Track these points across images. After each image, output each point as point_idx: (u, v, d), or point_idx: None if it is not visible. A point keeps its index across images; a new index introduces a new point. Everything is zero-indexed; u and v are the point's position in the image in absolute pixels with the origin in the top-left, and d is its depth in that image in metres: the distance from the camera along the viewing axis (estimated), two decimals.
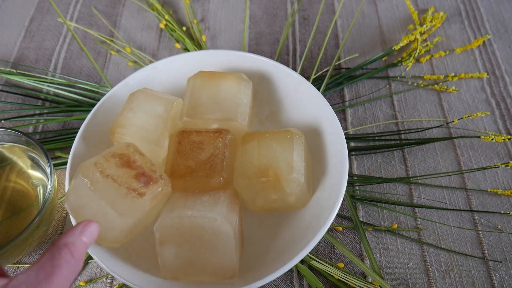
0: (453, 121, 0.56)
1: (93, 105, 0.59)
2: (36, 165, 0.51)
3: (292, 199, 0.44)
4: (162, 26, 0.67)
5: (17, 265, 0.49)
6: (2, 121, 0.58)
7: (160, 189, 0.41)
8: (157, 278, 0.41)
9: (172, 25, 0.66)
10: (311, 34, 0.63)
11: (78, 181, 0.40)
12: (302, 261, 0.49)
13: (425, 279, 0.47)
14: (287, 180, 0.42)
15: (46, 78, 0.62)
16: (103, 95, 0.61)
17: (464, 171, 0.54)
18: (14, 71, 0.62)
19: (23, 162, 0.52)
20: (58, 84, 0.61)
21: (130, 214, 0.39)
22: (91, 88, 0.61)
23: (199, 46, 0.65)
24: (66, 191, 0.43)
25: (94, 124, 0.49)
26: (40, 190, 0.50)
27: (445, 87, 0.61)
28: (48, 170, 0.47)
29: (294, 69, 0.63)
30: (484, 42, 0.65)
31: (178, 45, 0.65)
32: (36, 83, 0.61)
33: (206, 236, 0.39)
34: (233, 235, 0.39)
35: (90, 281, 0.48)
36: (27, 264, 0.49)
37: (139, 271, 0.42)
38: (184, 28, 0.67)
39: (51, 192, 0.46)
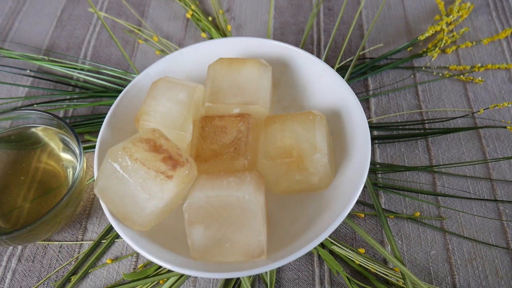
0: (478, 111, 0.56)
1: (119, 91, 0.61)
2: (66, 147, 0.53)
3: (315, 179, 0.44)
4: (188, 16, 0.68)
5: (47, 242, 0.51)
6: (35, 105, 0.60)
7: (187, 172, 0.42)
8: (186, 259, 0.42)
9: (198, 15, 0.67)
10: (336, 24, 0.63)
11: (107, 166, 0.41)
12: (323, 246, 0.49)
13: (447, 267, 0.47)
14: (311, 160, 0.43)
15: (76, 65, 0.64)
16: (129, 81, 0.62)
17: (489, 161, 0.53)
18: (46, 58, 0.64)
19: (54, 144, 0.54)
20: (88, 71, 0.63)
21: (160, 196, 0.40)
22: (118, 75, 0.63)
23: (224, 36, 0.66)
24: (94, 174, 0.45)
25: (120, 110, 0.51)
26: (70, 171, 0.52)
27: (471, 78, 0.60)
28: (78, 152, 0.49)
29: (318, 58, 0.63)
30: None
31: (204, 35, 0.67)
32: (67, 70, 0.63)
33: (235, 215, 0.40)
34: (262, 213, 0.40)
35: (116, 259, 0.50)
36: (56, 241, 0.51)
37: (171, 252, 0.42)
38: (210, 18, 0.68)
39: (80, 173, 0.47)
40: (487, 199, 0.51)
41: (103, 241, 0.51)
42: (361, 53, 0.64)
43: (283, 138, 0.45)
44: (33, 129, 0.54)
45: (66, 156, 0.53)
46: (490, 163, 0.53)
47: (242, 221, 0.40)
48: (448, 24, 0.64)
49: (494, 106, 0.55)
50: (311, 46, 0.65)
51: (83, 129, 0.58)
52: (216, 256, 0.41)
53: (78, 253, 0.50)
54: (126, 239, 0.41)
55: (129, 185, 0.40)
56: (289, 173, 0.44)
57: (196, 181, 0.43)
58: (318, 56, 0.64)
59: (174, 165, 0.41)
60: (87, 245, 0.51)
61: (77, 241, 0.51)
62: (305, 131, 0.45)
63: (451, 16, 0.63)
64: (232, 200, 0.40)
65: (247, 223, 0.40)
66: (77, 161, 0.50)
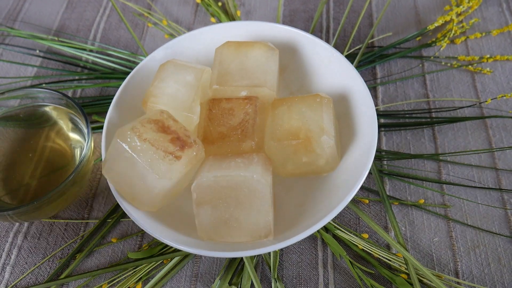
0: (486, 101, 0.56)
1: (127, 73, 0.61)
2: (74, 126, 0.53)
3: (322, 161, 0.44)
4: (198, 1, 0.68)
5: (53, 220, 0.52)
6: (44, 84, 0.61)
7: (195, 153, 0.42)
8: (193, 239, 0.42)
9: (208, 0, 0.67)
10: (345, 12, 0.63)
11: (116, 146, 0.41)
12: (326, 230, 0.49)
13: (450, 254, 0.47)
14: (318, 142, 0.43)
15: (85, 47, 0.64)
16: (137, 64, 0.62)
17: (495, 149, 0.53)
18: (56, 38, 0.64)
19: (63, 123, 0.54)
20: (96, 52, 0.63)
21: (168, 176, 0.40)
22: (126, 57, 0.63)
23: None
24: (102, 154, 0.45)
25: (128, 92, 0.51)
26: (77, 151, 0.52)
27: (480, 69, 0.60)
28: (86, 131, 0.49)
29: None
30: None
31: (213, 20, 0.67)
32: (76, 51, 0.63)
33: (243, 195, 0.40)
34: (269, 193, 0.40)
35: (121, 238, 0.50)
36: (63, 219, 0.52)
37: (177, 232, 0.43)
38: (219, 4, 0.68)
39: (87, 152, 0.48)
40: (492, 188, 0.51)
41: (108, 220, 0.51)
42: (369, 41, 0.63)
43: (290, 120, 0.45)
44: (42, 108, 0.54)
45: (74, 135, 0.53)
46: (496, 153, 0.54)
47: (250, 201, 0.40)
48: (458, 15, 0.63)
49: (502, 97, 0.55)
50: (320, 33, 0.65)
51: (91, 109, 0.58)
52: (223, 236, 0.41)
53: (84, 231, 0.51)
54: (134, 219, 0.41)
55: (138, 165, 0.40)
56: (296, 155, 0.44)
57: (204, 162, 0.43)
58: (327, 42, 0.64)
59: (182, 146, 0.42)
60: (92, 224, 0.51)
61: (83, 219, 0.52)
62: (313, 113, 0.45)
63: (461, 7, 0.63)
64: (240, 180, 0.40)
65: (255, 203, 0.40)
66: (85, 140, 0.50)
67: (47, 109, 0.54)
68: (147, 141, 0.41)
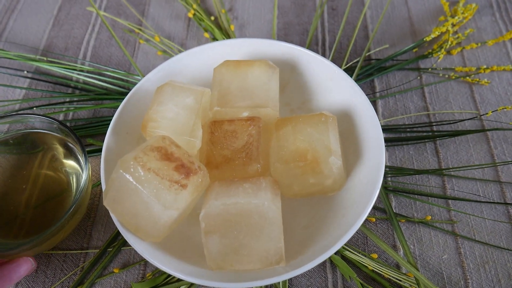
0: (486, 113, 0.56)
1: (122, 93, 0.59)
2: (68, 152, 0.51)
3: (329, 181, 0.43)
4: (190, 15, 0.66)
5: (51, 252, 0.50)
6: (34, 108, 0.58)
7: (200, 180, 0.41)
8: (202, 269, 0.41)
9: (200, 14, 0.66)
10: (341, 25, 0.63)
11: (119, 177, 0.39)
12: (335, 252, 0.48)
13: (460, 272, 0.47)
14: (326, 163, 0.42)
15: (75, 66, 0.62)
16: (132, 83, 0.61)
17: (498, 164, 0.53)
18: (44, 58, 0.62)
19: (55, 149, 0.52)
20: (88, 72, 0.61)
21: (175, 206, 0.39)
22: (120, 76, 0.61)
23: (227, 36, 0.64)
24: (102, 184, 0.43)
25: (125, 116, 0.49)
26: (73, 177, 0.50)
27: (477, 80, 0.60)
28: (82, 159, 0.47)
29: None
30: None
31: (206, 35, 0.65)
32: (66, 71, 0.61)
33: (253, 222, 0.39)
34: (280, 218, 0.39)
35: (123, 267, 0.48)
36: (61, 251, 0.49)
37: (186, 263, 0.41)
38: (212, 18, 0.67)
39: (86, 181, 0.46)
40: (497, 202, 0.51)
41: (109, 249, 0.49)
42: (366, 54, 0.63)
43: (296, 141, 0.44)
44: (33, 134, 0.52)
45: (68, 161, 0.51)
46: (499, 166, 0.53)
47: (261, 228, 0.39)
48: (453, 25, 0.63)
49: (502, 109, 0.55)
50: (316, 47, 0.64)
51: (85, 131, 0.56)
52: (234, 264, 0.40)
53: (84, 262, 0.49)
54: (140, 251, 0.40)
55: (143, 196, 0.39)
56: (303, 176, 0.43)
57: (210, 189, 0.42)
58: (324, 57, 0.63)
59: (187, 173, 0.40)
60: (92, 254, 0.49)
61: (82, 249, 0.50)
62: (319, 134, 0.44)
63: (456, 17, 0.63)
64: (251, 208, 0.39)
65: (266, 230, 0.39)
66: (81, 167, 0.48)
67: (38, 134, 0.52)
68: (152, 170, 0.39)
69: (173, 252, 0.42)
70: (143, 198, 0.39)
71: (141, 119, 0.48)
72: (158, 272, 0.48)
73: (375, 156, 0.45)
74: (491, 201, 0.51)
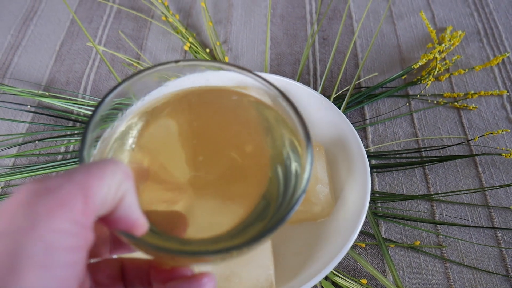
0: (473, 139, 0.57)
1: None
2: None
3: (317, 209, 0.45)
4: (186, 48, 0.69)
5: None
6: (36, 142, 0.61)
7: None
8: None
9: (196, 47, 0.68)
10: (331, 54, 0.65)
11: None
12: (325, 277, 0.49)
13: None
14: (313, 191, 0.44)
15: (76, 100, 0.65)
16: None
17: (486, 189, 0.54)
18: (47, 93, 0.65)
19: None
20: (88, 105, 0.64)
21: None
22: None
23: None
24: None
25: None
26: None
27: (465, 105, 0.61)
28: None
29: (315, 88, 0.65)
30: (503, 60, 0.66)
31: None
32: (67, 104, 0.63)
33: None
34: (270, 246, 0.40)
35: None
36: None
37: None
38: (207, 50, 0.69)
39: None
40: (485, 227, 0.52)
41: None
42: (356, 82, 0.65)
43: None
44: None
45: None
46: (487, 190, 0.54)
47: (251, 256, 0.40)
48: (440, 52, 0.65)
49: (489, 134, 0.56)
50: (307, 76, 0.66)
51: None
52: None
53: None
54: None
55: None
56: None
57: None
58: (315, 86, 0.65)
59: None
60: None
61: None
62: None
63: (443, 44, 0.64)
64: None
65: (256, 258, 0.40)
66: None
67: None
68: None
69: None
70: None
71: None
72: None
73: (362, 182, 0.46)
74: (480, 225, 0.52)
